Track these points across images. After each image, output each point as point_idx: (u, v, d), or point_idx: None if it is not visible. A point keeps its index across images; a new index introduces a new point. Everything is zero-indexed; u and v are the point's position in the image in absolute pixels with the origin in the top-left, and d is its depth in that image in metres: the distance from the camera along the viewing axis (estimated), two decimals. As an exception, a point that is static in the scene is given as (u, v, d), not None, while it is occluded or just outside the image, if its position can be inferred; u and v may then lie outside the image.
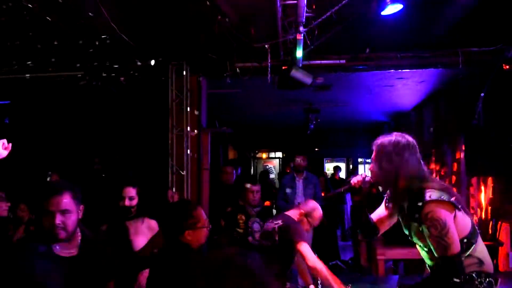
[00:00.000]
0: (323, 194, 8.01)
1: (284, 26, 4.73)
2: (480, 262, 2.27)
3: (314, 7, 4.38)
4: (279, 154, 18.17)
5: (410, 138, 2.42)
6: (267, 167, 17.69)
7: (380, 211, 2.67)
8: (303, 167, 5.94)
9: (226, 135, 9.63)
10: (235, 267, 1.10)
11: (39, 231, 2.30)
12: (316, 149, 15.76)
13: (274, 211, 6.35)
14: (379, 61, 5.87)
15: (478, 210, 7.16)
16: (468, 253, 2.24)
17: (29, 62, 5.82)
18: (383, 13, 4.41)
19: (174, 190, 5.79)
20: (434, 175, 9.26)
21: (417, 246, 2.48)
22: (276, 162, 18.27)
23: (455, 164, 8.00)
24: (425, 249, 2.36)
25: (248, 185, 4.68)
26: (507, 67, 5.59)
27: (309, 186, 5.97)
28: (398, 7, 4.32)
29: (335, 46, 5.71)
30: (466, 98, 6.39)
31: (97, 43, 5.29)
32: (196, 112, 6.06)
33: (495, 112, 5.66)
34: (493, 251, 6.26)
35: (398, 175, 2.32)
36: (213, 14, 4.69)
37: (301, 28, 4.41)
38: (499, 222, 6.30)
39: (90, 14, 4.50)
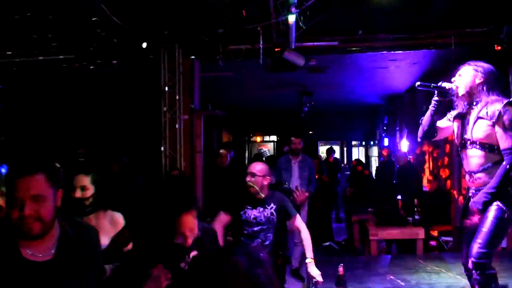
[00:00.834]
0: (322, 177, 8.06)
1: (277, 7, 4.70)
2: None
3: (306, -12, 4.35)
4: (273, 138, 18.20)
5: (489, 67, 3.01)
6: (262, 150, 17.71)
7: (442, 122, 3.15)
8: (299, 149, 5.94)
9: (219, 119, 9.62)
10: (245, 278, 1.01)
11: (6, 226, 1.72)
12: (310, 132, 15.78)
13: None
14: (372, 43, 5.86)
15: (470, 191, 7.24)
16: None
17: (19, 46, 5.76)
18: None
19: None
20: (427, 156, 9.34)
21: (467, 152, 2.94)
22: (270, 146, 18.31)
23: (448, 145, 8.06)
24: (483, 148, 2.86)
25: None
26: (499, 48, 5.60)
27: (305, 168, 5.97)
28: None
29: (328, 27, 5.69)
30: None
31: (88, 26, 5.24)
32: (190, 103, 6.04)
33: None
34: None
35: (484, 87, 2.91)
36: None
37: (293, 9, 4.38)
38: (490, 202, 6.38)
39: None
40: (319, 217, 7.60)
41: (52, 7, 4.82)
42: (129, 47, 5.82)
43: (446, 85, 2.98)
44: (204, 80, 6.83)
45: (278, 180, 6.02)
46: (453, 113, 3.11)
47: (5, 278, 1.66)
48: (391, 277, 4.80)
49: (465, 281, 4.57)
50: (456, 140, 3.10)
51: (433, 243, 6.91)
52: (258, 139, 18.60)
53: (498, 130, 2.81)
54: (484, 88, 2.91)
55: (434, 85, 3.00)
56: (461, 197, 7.60)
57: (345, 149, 17.71)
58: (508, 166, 2.75)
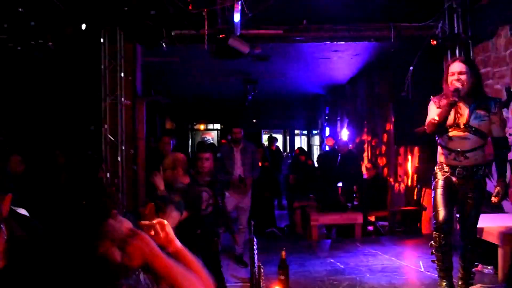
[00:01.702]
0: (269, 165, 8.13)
1: (222, -7, 4.66)
2: None
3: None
4: (217, 126, 18.14)
5: None
6: (205, 138, 17.61)
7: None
8: (239, 138, 6.01)
9: (162, 105, 9.44)
10: None
11: None
12: (254, 121, 15.89)
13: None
14: (316, 33, 5.95)
15: (405, 177, 7.60)
16: None
17: None
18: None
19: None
20: (366, 145, 9.67)
21: (461, 135, 3.38)
22: (214, 134, 18.25)
23: (385, 135, 8.40)
24: (475, 133, 3.34)
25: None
26: (435, 42, 5.86)
27: (247, 155, 6.03)
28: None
29: (273, 16, 5.72)
30: (397, 71, 6.67)
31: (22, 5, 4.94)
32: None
33: (422, 85, 5.95)
34: (417, 215, 6.70)
35: (481, 83, 3.57)
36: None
37: (239, -4, 4.36)
38: (424, 188, 6.73)
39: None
40: (262, 204, 7.70)
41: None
42: (66, 28, 5.55)
43: (459, 87, 3.34)
44: (147, 65, 6.66)
45: (218, 170, 6.03)
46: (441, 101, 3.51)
47: None
48: (331, 260, 4.98)
49: (399, 262, 4.83)
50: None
51: (370, 228, 7.21)
52: (202, 127, 18.47)
53: (495, 120, 3.36)
54: (478, 84, 3.45)
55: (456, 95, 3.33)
56: (397, 184, 7.96)
57: (287, 137, 17.98)
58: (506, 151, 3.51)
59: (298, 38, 6.02)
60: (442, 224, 3.41)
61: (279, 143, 13.70)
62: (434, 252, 3.51)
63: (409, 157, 7.48)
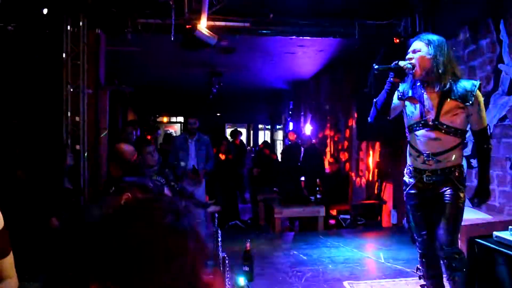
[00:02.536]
0: (228, 157, 8.15)
1: (190, -17, 4.61)
2: None
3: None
4: (180, 119, 17.96)
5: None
6: (168, 131, 17.41)
7: (394, 102, 2.98)
8: (195, 129, 6.01)
9: (126, 96, 9.26)
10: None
11: None
12: (218, 114, 15.82)
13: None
14: (282, 27, 5.99)
15: (366, 172, 7.78)
16: None
17: None
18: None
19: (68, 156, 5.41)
20: (328, 140, 9.83)
21: (429, 134, 2.82)
22: (177, 127, 18.06)
23: (348, 131, 8.56)
24: (448, 131, 2.78)
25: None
26: (397, 40, 6.02)
27: (202, 147, 6.05)
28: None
29: (240, 8, 5.71)
30: (360, 68, 6.80)
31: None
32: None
33: (382, 81, 6.09)
34: (378, 209, 6.88)
35: (453, 66, 2.83)
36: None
37: (207, -14, 4.33)
38: (384, 183, 6.92)
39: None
40: (226, 196, 7.72)
41: None
42: (27, 12, 5.35)
43: (402, 63, 2.80)
44: (111, 54, 6.52)
45: (174, 160, 6.00)
46: (403, 90, 2.96)
47: None
48: (295, 252, 5.04)
49: (360, 254, 4.96)
50: (409, 120, 2.94)
51: (332, 221, 7.35)
52: (165, 119, 18.24)
53: (472, 111, 2.75)
54: (442, 64, 2.75)
55: (393, 65, 2.82)
56: (358, 179, 8.14)
57: (251, 131, 18.03)
58: (489, 146, 2.85)
59: (264, 31, 6.04)
60: (424, 251, 2.96)
61: (243, 137, 13.71)
62: (422, 278, 3.03)
63: (371, 152, 7.66)
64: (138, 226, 0.88)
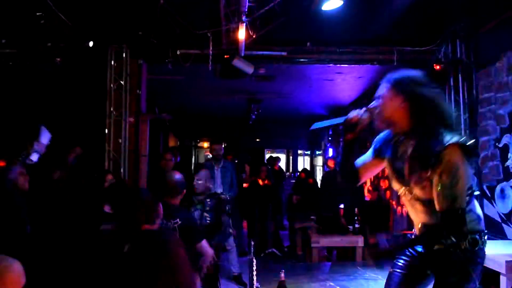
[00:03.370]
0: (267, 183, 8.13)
1: (227, 15, 4.73)
2: (479, 218, 2.09)
3: (257, -3, 4.42)
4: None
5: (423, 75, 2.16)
6: (208, 156, 17.61)
7: (366, 158, 2.37)
8: (220, 155, 6.02)
9: (166, 122, 9.49)
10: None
11: None
12: (258, 140, 15.90)
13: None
14: (320, 55, 6.02)
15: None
16: (469, 207, 2.03)
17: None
18: (323, 7, 4.52)
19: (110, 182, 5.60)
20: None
21: (412, 203, 2.15)
22: (217, 152, 18.23)
23: (388, 158, 8.37)
24: (426, 204, 2.05)
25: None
26: (438, 67, 5.90)
27: (227, 174, 6.04)
28: (338, 2, 4.44)
29: (277, 38, 5.79)
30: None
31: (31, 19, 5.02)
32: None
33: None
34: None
35: (416, 112, 2.05)
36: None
37: (244, 18, 4.42)
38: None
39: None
40: (264, 223, 7.67)
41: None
42: (74, 45, 5.64)
43: (353, 114, 2.23)
44: (151, 83, 6.73)
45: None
46: (380, 143, 2.32)
47: None
48: (331, 283, 4.93)
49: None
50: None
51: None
52: (205, 144, 18.50)
53: (435, 182, 1.96)
54: (411, 113, 2.06)
55: (331, 124, 2.40)
56: (399, 207, 7.91)
57: (291, 157, 17.98)
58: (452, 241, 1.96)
59: (301, 60, 6.08)
60: None
61: (282, 163, 13.69)
62: None
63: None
64: None
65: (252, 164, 10.85)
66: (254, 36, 5.03)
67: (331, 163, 9.51)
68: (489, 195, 5.17)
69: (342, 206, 8.13)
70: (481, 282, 2.23)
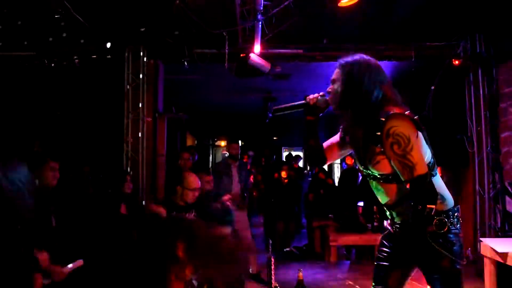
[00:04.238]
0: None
1: (243, 14, 4.73)
2: (442, 198, 2.05)
3: (272, -4, 4.40)
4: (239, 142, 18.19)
5: (374, 60, 2.25)
6: (226, 155, 17.66)
7: (333, 139, 2.44)
8: (238, 154, 6.06)
9: (183, 122, 9.55)
10: None
11: None
12: (275, 138, 15.88)
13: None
14: (336, 52, 5.95)
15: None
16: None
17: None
18: (340, 4, 4.48)
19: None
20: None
21: (374, 187, 2.20)
22: (234, 150, 18.27)
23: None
24: (385, 180, 2.09)
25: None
26: (457, 62, 5.81)
27: (243, 172, 6.08)
28: (354, -1, 4.40)
29: (293, 35, 5.76)
30: (418, 90, 6.61)
31: (50, 22, 5.10)
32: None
33: (443, 104, 5.88)
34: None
35: (365, 95, 2.09)
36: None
37: (259, 16, 4.42)
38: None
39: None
40: (285, 222, 7.67)
41: (15, 3, 4.68)
42: (92, 46, 5.71)
43: (311, 97, 2.34)
44: (168, 82, 6.77)
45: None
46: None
47: None
48: (350, 282, 4.89)
49: (421, 286, 4.72)
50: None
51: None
52: (223, 143, 18.55)
53: (389, 155, 1.97)
54: (356, 94, 2.11)
55: (291, 104, 2.42)
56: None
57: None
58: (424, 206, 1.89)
59: (318, 57, 6.04)
60: None
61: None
62: None
63: (431, 177, 7.34)
64: None
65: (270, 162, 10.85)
66: (270, 34, 5.01)
67: (349, 160, 9.44)
68: (511, 191, 5.07)
69: (360, 204, 8.07)
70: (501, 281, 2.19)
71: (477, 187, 5.73)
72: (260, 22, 4.59)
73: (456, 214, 2.08)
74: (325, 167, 14.60)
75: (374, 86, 2.10)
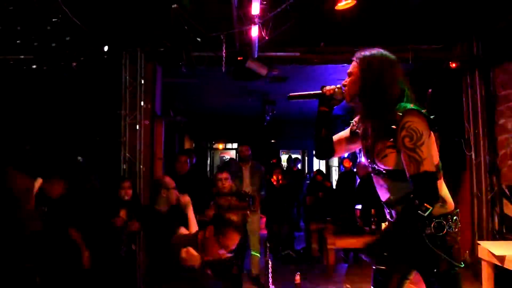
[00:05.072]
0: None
1: (240, 17, 4.73)
2: (443, 201, 2.07)
3: (269, -2, 4.40)
4: (235, 145, 18.19)
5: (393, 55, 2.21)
6: (224, 158, 17.69)
7: (343, 132, 2.47)
8: (247, 156, 6.05)
9: (181, 125, 9.55)
10: None
11: None
12: (273, 141, 15.89)
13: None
14: (333, 55, 5.98)
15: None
16: None
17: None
18: (337, 7, 4.49)
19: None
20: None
21: (377, 180, 2.21)
22: (232, 153, 18.29)
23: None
24: (390, 175, 2.10)
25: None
26: (454, 65, 5.82)
27: (255, 174, 6.06)
28: (351, 2, 4.41)
29: (290, 38, 5.77)
30: (415, 93, 6.63)
31: (47, 26, 5.10)
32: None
33: (440, 107, 5.89)
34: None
35: (383, 89, 2.08)
36: (169, 2, 4.62)
37: (256, 19, 4.42)
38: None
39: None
40: (282, 225, 7.65)
41: (12, 5, 4.67)
42: (89, 49, 5.71)
43: (327, 88, 2.36)
44: (166, 85, 6.77)
45: None
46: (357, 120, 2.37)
47: None
48: (348, 285, 4.89)
49: (417, 289, 4.72)
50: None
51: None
52: (221, 146, 18.55)
53: (400, 149, 1.99)
54: (370, 87, 2.10)
55: (307, 92, 2.41)
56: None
57: (306, 158, 17.92)
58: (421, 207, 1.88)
59: (315, 60, 6.05)
60: None
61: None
62: None
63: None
64: None
65: (267, 164, 10.84)
66: (267, 37, 5.01)
67: (347, 163, 9.45)
68: (508, 194, 5.07)
69: (358, 207, 8.06)
70: (498, 283, 2.19)
71: (474, 189, 5.74)
72: (257, 25, 4.58)
73: (455, 217, 2.09)
74: (323, 169, 14.62)
75: (392, 81, 2.10)
